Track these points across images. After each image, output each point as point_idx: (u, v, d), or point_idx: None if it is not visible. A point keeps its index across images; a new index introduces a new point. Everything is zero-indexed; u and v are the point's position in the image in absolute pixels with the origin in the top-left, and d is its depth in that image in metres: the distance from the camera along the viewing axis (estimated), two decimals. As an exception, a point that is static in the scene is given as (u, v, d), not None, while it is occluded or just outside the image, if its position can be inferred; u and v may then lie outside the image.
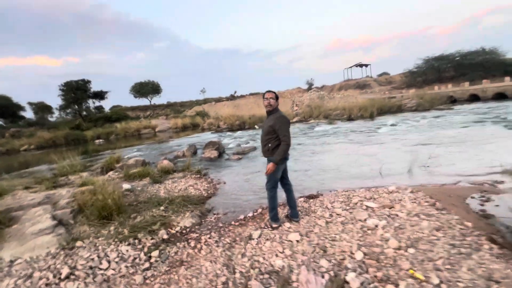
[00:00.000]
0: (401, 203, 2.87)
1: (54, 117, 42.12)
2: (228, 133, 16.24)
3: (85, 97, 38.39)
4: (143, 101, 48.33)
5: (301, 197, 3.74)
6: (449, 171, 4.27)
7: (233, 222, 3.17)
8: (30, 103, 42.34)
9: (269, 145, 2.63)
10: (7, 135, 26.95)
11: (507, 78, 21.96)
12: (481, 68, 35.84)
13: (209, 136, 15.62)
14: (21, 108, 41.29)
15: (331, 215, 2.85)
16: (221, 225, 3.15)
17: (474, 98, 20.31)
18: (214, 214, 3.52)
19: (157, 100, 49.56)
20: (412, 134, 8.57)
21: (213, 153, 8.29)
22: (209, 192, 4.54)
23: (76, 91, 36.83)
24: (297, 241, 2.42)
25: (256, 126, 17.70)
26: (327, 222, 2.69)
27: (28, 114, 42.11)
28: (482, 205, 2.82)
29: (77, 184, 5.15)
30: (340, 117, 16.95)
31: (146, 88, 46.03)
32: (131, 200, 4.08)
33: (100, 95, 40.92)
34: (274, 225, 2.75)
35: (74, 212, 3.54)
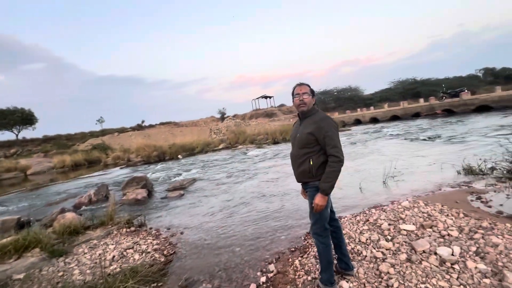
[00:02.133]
0: (438, 219, 2.48)
1: None
2: (146, 166, 13.50)
3: None
4: (4, 136, 35.58)
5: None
6: (415, 179, 4.47)
7: (245, 301, 1.89)
8: None
9: (310, 163, 1.70)
10: None
11: (372, 108, 29.80)
12: (350, 101, 47.42)
13: (119, 173, 12.43)
14: None
15: (382, 253, 2.10)
16: (226, 313, 1.81)
17: (357, 122, 26.00)
18: (200, 294, 2.08)
19: (28, 133, 37.70)
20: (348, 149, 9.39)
21: (140, 193, 6.21)
22: (165, 252, 2.93)
23: None
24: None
25: (179, 156, 15.65)
26: (392, 265, 1.92)
27: None
28: (489, 206, 2.80)
29: None
30: (265, 141, 17.43)
31: (10, 118, 34.29)
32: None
33: None
34: (330, 291, 1.72)
35: None
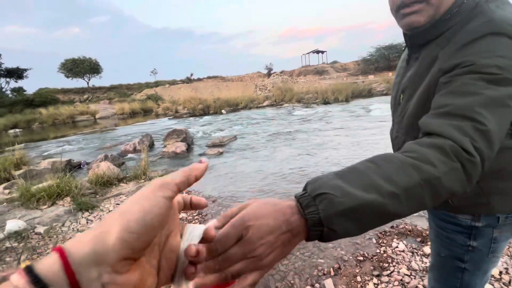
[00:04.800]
0: None
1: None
2: (191, 119, 13.63)
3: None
4: (79, 83, 40.58)
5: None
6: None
7: None
8: None
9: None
10: None
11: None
12: (424, 58, 39.25)
13: (166, 123, 12.81)
14: None
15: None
16: None
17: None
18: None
19: (97, 81, 42.27)
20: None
21: (179, 146, 5.97)
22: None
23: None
24: None
25: (223, 111, 15.38)
26: None
27: None
28: None
29: None
30: (314, 101, 15.79)
31: (81, 67, 38.36)
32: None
33: (17, 73, 32.51)
34: None
35: None
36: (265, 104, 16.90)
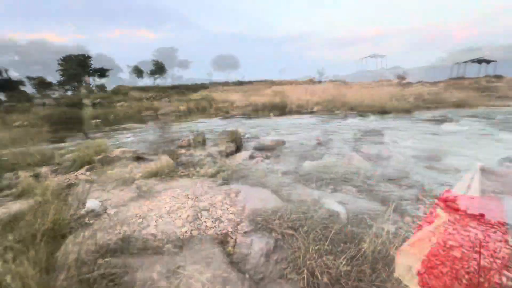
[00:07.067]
0: None
1: (60, 94, 39.63)
2: (240, 120, 14.08)
3: (86, 73, 36.27)
4: (146, 82, 46.04)
5: None
6: None
7: None
8: (28, 78, 40.06)
9: None
10: (-3, 110, 25.10)
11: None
12: None
13: (218, 123, 13.51)
14: (21, 83, 39.05)
15: None
16: None
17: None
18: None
19: (161, 81, 47.31)
20: None
21: (230, 147, 6.19)
22: (239, 226, 2.47)
23: (77, 67, 34.68)
24: None
25: (271, 114, 15.48)
26: None
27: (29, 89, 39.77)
28: None
29: (16, 192, 3.12)
30: (369, 109, 14.63)
31: (152, 68, 43.58)
32: (89, 247, 2.02)
33: (101, 73, 38.73)
34: None
35: None
36: (314, 109, 16.40)
